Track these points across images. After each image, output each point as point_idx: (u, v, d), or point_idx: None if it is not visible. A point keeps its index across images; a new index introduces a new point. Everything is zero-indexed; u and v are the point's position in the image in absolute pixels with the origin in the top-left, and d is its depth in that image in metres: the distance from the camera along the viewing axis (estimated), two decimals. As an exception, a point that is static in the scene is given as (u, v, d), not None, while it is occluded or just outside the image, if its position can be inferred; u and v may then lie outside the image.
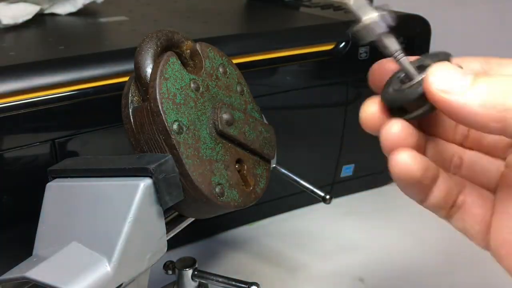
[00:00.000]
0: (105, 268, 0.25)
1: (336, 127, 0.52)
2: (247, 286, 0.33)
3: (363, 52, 0.50)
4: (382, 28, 0.28)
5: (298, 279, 0.45)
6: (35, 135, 0.37)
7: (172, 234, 0.32)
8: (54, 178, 0.30)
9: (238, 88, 0.34)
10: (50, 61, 0.38)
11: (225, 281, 0.34)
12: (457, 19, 0.76)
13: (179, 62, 0.30)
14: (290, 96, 0.48)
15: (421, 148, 0.28)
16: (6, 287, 0.26)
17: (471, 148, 0.29)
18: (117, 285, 0.26)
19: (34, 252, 0.28)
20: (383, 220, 0.54)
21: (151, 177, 0.26)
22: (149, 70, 0.29)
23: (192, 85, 0.30)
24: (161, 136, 0.28)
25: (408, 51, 0.55)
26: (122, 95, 0.31)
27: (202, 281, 0.36)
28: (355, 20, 0.27)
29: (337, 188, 0.56)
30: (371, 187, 0.59)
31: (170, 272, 0.37)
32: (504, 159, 0.28)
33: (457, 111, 0.23)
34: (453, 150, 0.29)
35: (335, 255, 0.48)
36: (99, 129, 0.39)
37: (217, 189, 0.29)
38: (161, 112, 0.28)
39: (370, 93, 0.54)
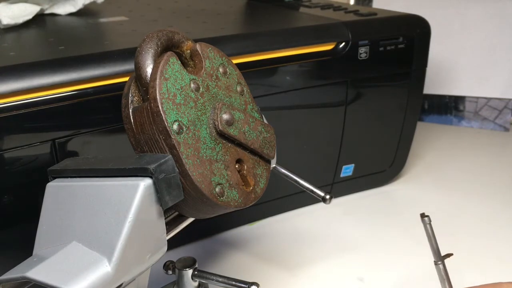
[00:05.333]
0: (105, 268, 0.25)
1: (336, 127, 0.52)
2: (247, 286, 0.33)
3: (363, 52, 0.50)
4: None
5: (298, 279, 0.45)
6: (35, 135, 0.37)
7: (172, 234, 0.32)
8: (54, 178, 0.30)
9: (238, 88, 0.34)
10: (50, 61, 0.38)
11: (225, 281, 0.34)
12: (456, 19, 0.76)
13: (179, 62, 0.30)
14: (290, 96, 0.48)
15: None
16: (6, 287, 0.26)
17: None
18: (117, 285, 0.26)
19: (34, 252, 0.28)
20: (383, 220, 0.54)
21: (151, 177, 0.26)
22: (149, 70, 0.29)
23: (192, 85, 0.30)
24: (161, 136, 0.28)
25: (407, 51, 0.55)
26: (122, 95, 0.31)
27: (202, 281, 0.36)
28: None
29: (337, 188, 0.56)
30: (371, 187, 0.59)
31: (170, 272, 0.37)
32: None
33: None
34: None
35: (335, 255, 0.48)
36: (99, 129, 0.39)
37: (217, 189, 0.29)
38: (161, 112, 0.28)
39: (370, 93, 0.55)
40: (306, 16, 0.55)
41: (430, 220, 0.33)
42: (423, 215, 0.33)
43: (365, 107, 0.52)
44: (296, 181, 0.40)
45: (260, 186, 0.33)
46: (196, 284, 0.37)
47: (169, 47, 0.31)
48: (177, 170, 0.28)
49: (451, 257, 0.33)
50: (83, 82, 0.38)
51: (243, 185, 0.32)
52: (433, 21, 0.55)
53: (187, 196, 0.29)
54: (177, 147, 0.28)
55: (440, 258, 0.33)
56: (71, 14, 0.57)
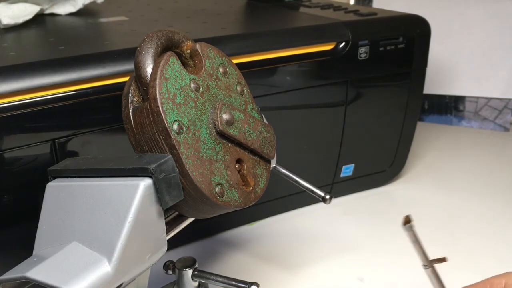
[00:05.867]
0: (105, 268, 0.25)
1: (336, 127, 0.52)
2: (247, 286, 0.33)
3: (363, 52, 0.50)
4: None
5: (298, 279, 0.45)
6: (35, 135, 0.37)
7: (172, 234, 0.32)
8: (54, 178, 0.30)
9: (238, 88, 0.34)
10: (50, 61, 0.38)
11: (225, 281, 0.34)
12: (456, 19, 0.76)
13: (179, 62, 0.30)
14: (290, 96, 0.48)
15: None
16: (6, 287, 0.26)
17: None
18: (117, 285, 0.26)
19: (34, 252, 0.28)
20: (383, 220, 0.54)
21: (151, 177, 0.26)
22: (149, 70, 0.29)
23: (192, 85, 0.30)
24: (161, 136, 0.28)
25: (408, 51, 0.55)
26: (122, 95, 0.31)
27: (202, 281, 0.36)
28: None
29: (337, 188, 0.56)
30: (371, 187, 0.59)
31: (170, 272, 0.37)
32: None
33: None
34: None
35: (335, 255, 0.48)
36: (99, 129, 0.39)
37: (217, 189, 0.29)
38: (161, 112, 0.28)
39: (370, 93, 0.55)
40: (306, 16, 0.55)
41: (412, 226, 0.32)
42: (406, 222, 0.32)
43: (365, 107, 0.52)
44: (296, 181, 0.40)
45: (260, 186, 0.33)
46: (196, 284, 0.37)
47: (169, 47, 0.31)
48: (177, 170, 0.28)
49: (448, 258, 0.33)
50: (83, 82, 0.38)
51: (243, 185, 0.32)
52: (433, 21, 0.55)
53: (187, 196, 0.29)
54: (177, 147, 0.28)
55: (428, 262, 0.33)
56: (71, 14, 0.57)
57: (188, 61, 0.32)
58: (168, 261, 0.37)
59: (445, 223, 0.53)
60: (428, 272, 0.33)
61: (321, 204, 0.41)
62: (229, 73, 0.34)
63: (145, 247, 0.27)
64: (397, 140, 0.57)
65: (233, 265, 0.47)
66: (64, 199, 0.28)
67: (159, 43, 0.30)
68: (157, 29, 0.31)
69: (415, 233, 0.32)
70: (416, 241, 0.32)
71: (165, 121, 0.28)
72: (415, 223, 0.53)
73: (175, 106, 0.29)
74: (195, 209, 0.30)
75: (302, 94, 0.48)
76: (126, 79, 0.37)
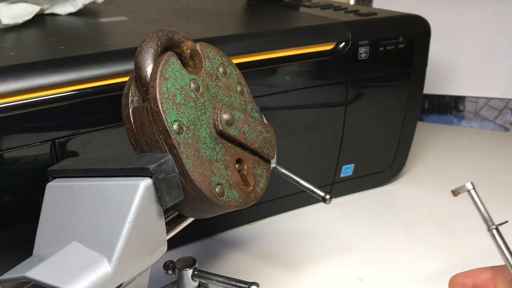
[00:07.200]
0: (105, 267, 0.25)
1: (336, 127, 0.52)
2: (247, 286, 0.33)
3: (363, 52, 0.50)
4: None
5: (298, 279, 0.45)
6: (35, 135, 0.37)
7: (172, 234, 0.32)
8: (54, 178, 0.30)
9: (238, 88, 0.34)
10: (50, 61, 0.38)
11: (225, 281, 0.34)
12: (456, 19, 0.76)
13: (179, 62, 0.30)
14: (290, 96, 0.48)
15: None
16: (6, 287, 0.26)
17: None
18: (117, 285, 0.26)
19: (34, 252, 0.28)
20: (383, 220, 0.54)
21: (151, 177, 0.26)
22: (149, 70, 0.29)
23: (192, 85, 0.30)
24: (161, 136, 0.28)
25: (407, 51, 0.55)
26: (122, 95, 0.31)
27: (202, 281, 0.36)
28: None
29: (337, 188, 0.56)
30: (371, 187, 0.59)
31: (170, 272, 0.37)
32: None
33: None
34: None
35: (335, 255, 0.48)
36: (99, 129, 0.39)
37: (217, 189, 0.29)
38: (161, 112, 0.28)
39: (370, 93, 0.55)
40: (306, 16, 0.55)
41: (474, 191, 0.34)
42: (457, 193, 0.34)
43: (365, 107, 0.52)
44: (296, 181, 0.40)
45: (260, 186, 0.33)
46: (196, 284, 0.37)
47: (169, 47, 0.31)
48: (177, 170, 0.28)
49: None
50: (83, 82, 0.38)
51: (243, 185, 0.32)
52: (433, 21, 0.55)
53: (187, 196, 0.29)
54: (177, 147, 0.28)
55: (493, 224, 0.34)
56: (71, 14, 0.57)
57: (188, 61, 0.32)
58: (168, 261, 0.37)
59: (445, 223, 0.53)
60: (494, 232, 0.34)
61: (321, 204, 0.41)
62: (229, 73, 0.34)
63: (145, 247, 0.27)
64: (397, 140, 0.57)
65: (233, 265, 0.47)
66: (64, 199, 0.28)
67: (159, 43, 0.30)
68: (157, 29, 0.31)
69: (478, 196, 0.34)
70: (481, 204, 0.34)
71: (165, 121, 0.28)
72: (417, 222, 0.53)
73: (175, 106, 0.29)
74: (195, 209, 0.30)
75: (302, 94, 0.48)
76: (126, 79, 0.37)
